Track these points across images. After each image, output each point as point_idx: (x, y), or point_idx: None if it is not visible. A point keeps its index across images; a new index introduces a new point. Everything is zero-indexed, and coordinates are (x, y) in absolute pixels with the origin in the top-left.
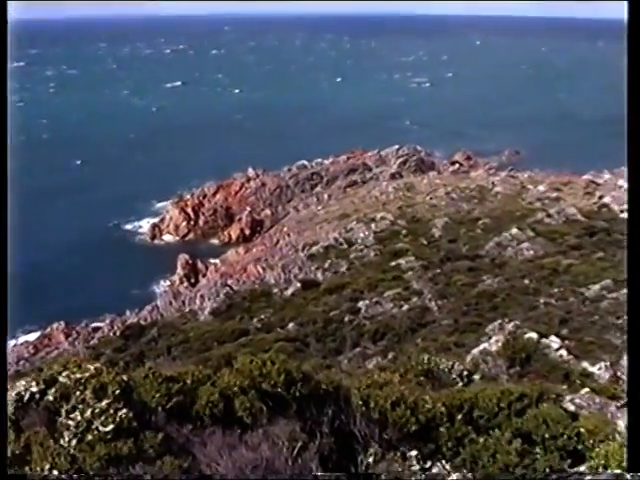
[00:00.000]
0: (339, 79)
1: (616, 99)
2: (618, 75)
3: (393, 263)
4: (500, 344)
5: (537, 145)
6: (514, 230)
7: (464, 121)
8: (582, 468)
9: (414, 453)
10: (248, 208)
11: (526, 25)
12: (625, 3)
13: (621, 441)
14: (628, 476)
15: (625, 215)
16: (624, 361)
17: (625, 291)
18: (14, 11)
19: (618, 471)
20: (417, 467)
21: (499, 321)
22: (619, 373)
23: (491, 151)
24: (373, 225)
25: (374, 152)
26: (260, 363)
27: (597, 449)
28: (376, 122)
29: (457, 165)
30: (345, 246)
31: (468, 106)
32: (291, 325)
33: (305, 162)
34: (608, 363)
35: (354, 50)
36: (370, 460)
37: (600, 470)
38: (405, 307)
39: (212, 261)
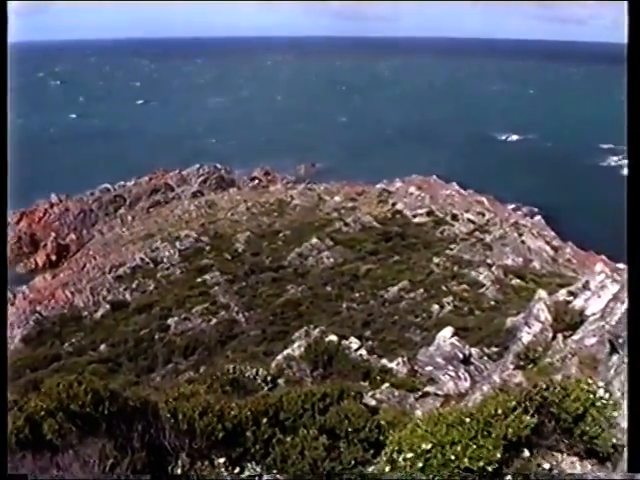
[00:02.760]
0: (140, 101)
1: (406, 111)
2: (410, 88)
3: (199, 279)
4: (303, 349)
5: (332, 157)
6: (314, 240)
7: (262, 138)
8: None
9: (222, 460)
10: (53, 234)
11: (318, 44)
12: (625, 3)
13: (412, 426)
14: (629, 476)
15: (417, 220)
16: (420, 355)
17: (422, 290)
18: None
19: (410, 455)
20: (226, 473)
21: (305, 328)
22: (416, 367)
23: (289, 165)
24: (178, 243)
25: (175, 172)
26: (67, 384)
27: (390, 437)
28: (178, 142)
29: (256, 181)
30: (151, 265)
31: (265, 124)
32: (103, 347)
33: (108, 185)
34: (405, 358)
35: (155, 73)
36: (179, 471)
37: (395, 456)
38: (213, 321)
39: (19, 289)
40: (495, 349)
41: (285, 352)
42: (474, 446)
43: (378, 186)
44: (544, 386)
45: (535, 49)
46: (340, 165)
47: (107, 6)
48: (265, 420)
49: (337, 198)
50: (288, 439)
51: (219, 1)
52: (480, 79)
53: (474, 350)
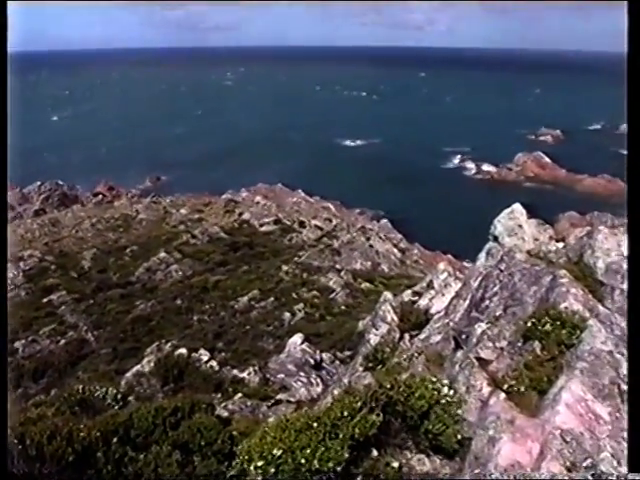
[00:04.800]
0: None
1: (251, 120)
2: (254, 97)
3: (45, 299)
4: (152, 364)
5: (177, 169)
6: (162, 254)
7: (105, 152)
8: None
9: None
10: None
11: (160, 55)
12: (625, 3)
13: (261, 434)
14: (629, 476)
15: (265, 228)
16: (272, 363)
17: (272, 299)
18: None
19: (261, 462)
20: None
21: (156, 343)
22: (268, 375)
23: (133, 179)
24: (21, 264)
25: (16, 190)
26: None
27: (240, 446)
28: (18, 159)
29: (100, 196)
30: None
31: (108, 137)
32: None
33: None
34: (257, 367)
35: None
36: None
37: (245, 466)
38: (62, 342)
39: None
40: (348, 353)
41: (135, 369)
42: (323, 448)
43: (224, 196)
44: (389, 385)
45: (376, 55)
46: (185, 177)
47: None
48: (115, 439)
49: (183, 210)
50: (141, 457)
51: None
52: (325, 86)
53: (325, 355)
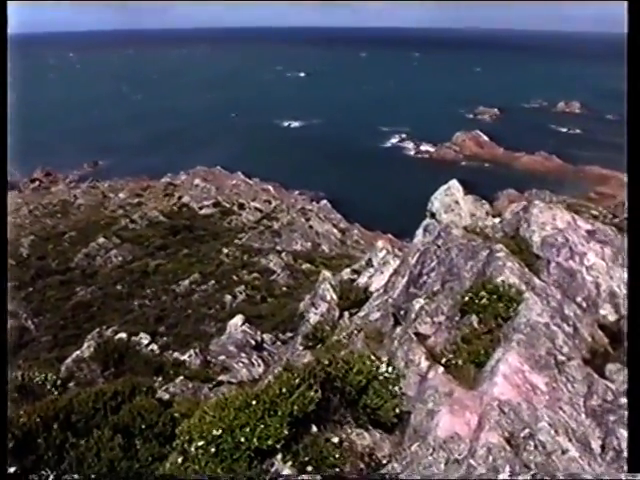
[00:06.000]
0: None
1: (191, 101)
2: (195, 79)
3: None
4: (92, 349)
5: (115, 152)
6: (101, 239)
7: (42, 137)
8: None
9: (13, 469)
10: None
11: (95, 38)
12: (625, 3)
13: (200, 414)
14: (630, 476)
15: (204, 211)
16: (213, 345)
17: (213, 282)
18: None
19: (201, 442)
20: None
21: (97, 329)
22: (209, 357)
23: (70, 165)
24: None
25: None
26: None
27: (180, 427)
28: None
29: (37, 182)
30: None
31: (46, 121)
32: None
33: None
34: (198, 349)
35: None
36: None
37: (186, 446)
38: None
39: None
40: (290, 334)
41: (74, 354)
42: (262, 426)
43: (163, 180)
44: (327, 362)
45: (316, 35)
46: (124, 161)
47: None
48: (56, 425)
49: (122, 195)
50: (82, 442)
51: None
52: (265, 67)
53: (266, 336)
